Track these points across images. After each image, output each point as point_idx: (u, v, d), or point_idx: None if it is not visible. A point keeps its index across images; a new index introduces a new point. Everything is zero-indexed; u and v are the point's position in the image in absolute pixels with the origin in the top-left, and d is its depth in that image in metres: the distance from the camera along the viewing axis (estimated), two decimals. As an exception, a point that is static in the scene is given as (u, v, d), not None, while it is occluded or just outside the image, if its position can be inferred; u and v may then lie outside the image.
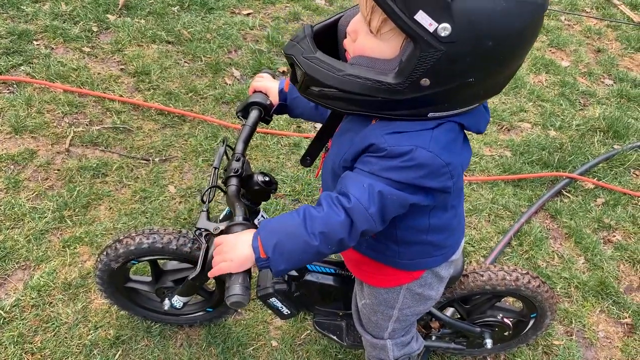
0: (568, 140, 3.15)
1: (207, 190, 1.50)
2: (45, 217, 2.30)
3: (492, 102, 3.32)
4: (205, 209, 1.48)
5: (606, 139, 3.20)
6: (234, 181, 1.41)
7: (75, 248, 2.24)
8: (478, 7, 0.97)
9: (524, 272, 1.79)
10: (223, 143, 1.57)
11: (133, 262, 1.75)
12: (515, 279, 1.76)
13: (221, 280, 1.74)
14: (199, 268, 1.38)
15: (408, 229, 1.32)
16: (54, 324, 2.01)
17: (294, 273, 1.71)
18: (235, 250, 1.18)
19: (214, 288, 1.96)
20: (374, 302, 1.56)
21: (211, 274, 1.22)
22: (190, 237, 1.70)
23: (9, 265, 2.15)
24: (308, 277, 1.75)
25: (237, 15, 3.62)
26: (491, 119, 3.18)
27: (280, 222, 1.18)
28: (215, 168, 1.50)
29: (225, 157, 1.54)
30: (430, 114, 1.12)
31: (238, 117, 1.59)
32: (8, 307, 2.02)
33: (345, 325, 1.86)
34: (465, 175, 2.86)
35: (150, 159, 2.64)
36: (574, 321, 2.32)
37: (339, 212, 1.14)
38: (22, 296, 2.06)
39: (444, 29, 0.97)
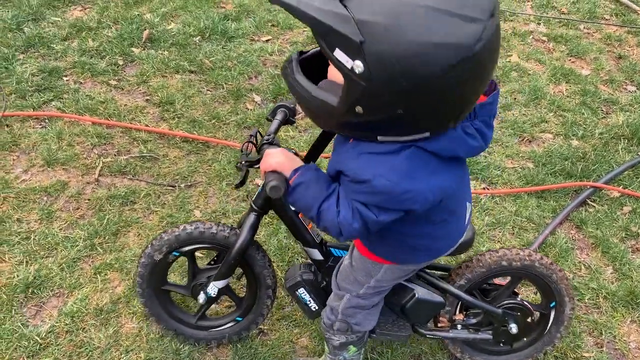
0: (591, 149, 3.12)
1: (246, 143, 1.74)
2: (77, 246, 2.40)
3: (512, 113, 3.32)
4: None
5: (631, 146, 3.16)
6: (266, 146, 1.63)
7: (106, 274, 2.32)
8: (388, 50, 1.04)
9: (535, 251, 1.90)
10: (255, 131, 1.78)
11: (175, 253, 1.92)
12: (529, 255, 1.89)
13: (251, 284, 1.99)
14: (240, 179, 1.68)
15: (392, 233, 1.45)
16: (87, 348, 2.08)
17: (319, 257, 1.85)
18: (283, 161, 1.43)
19: (243, 295, 2.07)
20: (358, 266, 1.69)
21: (262, 165, 1.47)
22: (227, 226, 1.90)
23: (44, 293, 2.24)
24: (331, 262, 1.87)
25: (257, 42, 3.72)
26: (512, 131, 3.18)
27: (314, 179, 1.39)
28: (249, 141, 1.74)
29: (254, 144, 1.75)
30: (380, 137, 1.22)
31: (268, 119, 1.76)
32: (44, 334, 2.10)
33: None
34: (488, 189, 2.86)
35: (176, 185, 2.72)
36: (604, 332, 2.28)
37: (334, 216, 1.34)
38: (57, 322, 2.14)
39: (358, 67, 1.07)
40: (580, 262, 2.56)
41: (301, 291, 1.88)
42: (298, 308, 2.12)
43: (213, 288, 1.92)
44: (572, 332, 2.26)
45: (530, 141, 3.18)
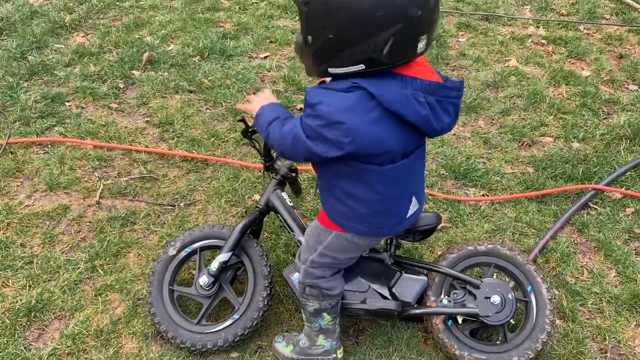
0: (592, 150, 3.09)
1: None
2: (79, 268, 2.44)
3: (511, 118, 3.30)
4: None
5: (633, 146, 3.12)
6: None
7: (106, 296, 2.35)
8: None
9: None
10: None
11: (187, 249, 2.25)
12: (490, 241, 2.26)
13: (249, 277, 2.22)
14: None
15: (338, 188, 1.70)
16: (88, 370, 2.11)
17: None
18: (255, 103, 1.85)
19: (242, 298, 2.18)
20: (312, 232, 1.94)
21: (240, 106, 2.01)
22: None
23: (46, 316, 2.27)
24: None
25: (255, 59, 3.77)
26: (511, 136, 3.16)
27: (273, 109, 1.77)
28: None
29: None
30: (330, 69, 1.51)
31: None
32: (46, 357, 2.13)
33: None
34: (487, 195, 2.84)
35: (176, 204, 2.75)
36: (607, 337, 2.25)
37: (286, 126, 1.64)
38: (59, 345, 2.17)
39: None
40: (582, 266, 2.52)
41: (295, 276, 2.11)
42: (301, 313, 2.14)
43: (215, 263, 2.14)
44: (574, 339, 2.23)
45: (530, 145, 3.16)
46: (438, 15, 1.48)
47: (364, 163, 1.59)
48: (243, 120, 2.22)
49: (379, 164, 1.61)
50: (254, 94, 2.04)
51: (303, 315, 2.09)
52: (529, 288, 2.15)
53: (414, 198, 1.79)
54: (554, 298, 2.31)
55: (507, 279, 2.24)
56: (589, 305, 2.36)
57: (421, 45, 1.45)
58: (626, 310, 2.34)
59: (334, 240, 1.87)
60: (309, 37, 1.49)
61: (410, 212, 1.81)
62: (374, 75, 1.48)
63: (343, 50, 1.44)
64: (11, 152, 2.98)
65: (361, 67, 1.45)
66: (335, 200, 1.76)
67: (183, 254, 2.28)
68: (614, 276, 2.48)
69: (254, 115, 1.82)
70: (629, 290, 2.39)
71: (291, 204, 2.32)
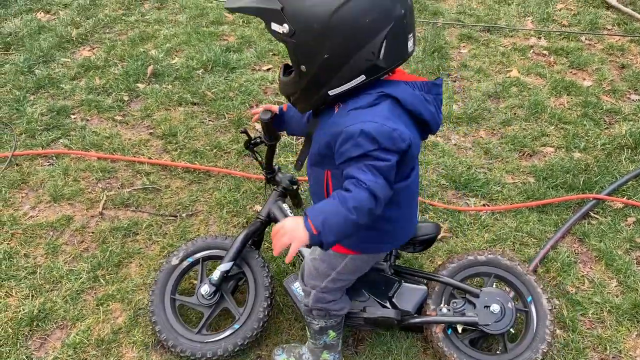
0: (594, 160, 3.09)
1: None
2: (81, 278, 2.46)
3: (512, 129, 3.31)
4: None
5: (634, 155, 3.12)
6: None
7: (108, 305, 2.37)
8: (298, 6, 1.39)
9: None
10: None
11: (189, 259, 2.28)
12: (490, 251, 2.26)
13: (250, 286, 2.23)
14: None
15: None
16: (88, 379, 2.12)
17: None
18: (294, 233, 1.46)
19: (242, 308, 2.19)
20: (322, 259, 1.88)
21: (285, 257, 1.51)
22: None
23: (48, 325, 2.30)
24: None
25: (258, 72, 3.81)
26: (512, 146, 3.17)
27: (323, 205, 1.50)
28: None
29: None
30: (331, 92, 1.49)
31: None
32: (47, 366, 2.16)
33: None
34: (488, 205, 2.85)
35: (178, 215, 2.78)
36: (608, 347, 2.23)
37: (362, 190, 1.45)
38: (60, 354, 2.19)
39: (285, 29, 1.41)
40: (583, 275, 2.52)
41: (296, 285, 2.15)
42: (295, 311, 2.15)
43: (217, 272, 2.17)
44: (575, 349, 2.22)
45: (531, 155, 3.17)
46: (414, 15, 1.54)
47: (396, 182, 1.55)
48: (245, 132, 2.25)
49: (406, 177, 1.64)
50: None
51: (307, 332, 2.09)
52: (529, 298, 2.15)
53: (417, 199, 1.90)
54: (555, 308, 2.30)
55: (507, 289, 2.24)
56: (590, 315, 2.35)
57: (410, 44, 1.49)
58: (627, 320, 2.33)
59: (348, 263, 1.86)
60: (303, 67, 1.47)
61: (417, 214, 1.92)
62: (383, 83, 1.51)
63: (343, 66, 1.44)
64: (17, 164, 3.02)
65: (362, 77, 1.46)
66: (365, 231, 1.60)
67: (185, 263, 2.30)
68: (615, 286, 2.47)
69: (308, 242, 1.46)
70: (630, 300, 2.38)
71: (291, 215, 2.34)
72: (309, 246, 1.50)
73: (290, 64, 1.54)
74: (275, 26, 1.43)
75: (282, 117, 2.01)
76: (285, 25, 1.41)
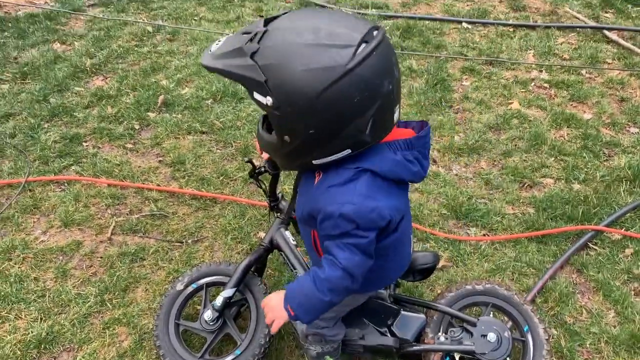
0: (593, 192, 3.14)
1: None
2: (89, 302, 2.53)
3: (513, 160, 3.38)
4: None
5: (633, 187, 3.17)
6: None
7: (114, 329, 2.43)
8: (283, 81, 1.34)
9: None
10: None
11: (193, 285, 2.34)
12: (488, 281, 2.30)
13: (251, 312, 2.28)
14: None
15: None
16: (93, 401, 2.17)
17: None
18: (275, 312, 1.69)
19: (244, 334, 2.24)
20: None
21: (273, 330, 1.75)
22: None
23: (56, 348, 2.35)
24: None
25: (265, 102, 3.91)
26: (512, 177, 3.23)
27: (300, 286, 1.62)
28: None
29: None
30: (315, 161, 1.48)
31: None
32: (53, 388, 2.21)
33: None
34: (487, 235, 2.90)
35: (184, 241, 2.85)
36: (605, 378, 2.26)
37: (336, 269, 1.52)
38: (66, 377, 2.25)
39: (269, 101, 1.37)
40: (581, 306, 2.55)
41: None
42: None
43: (219, 299, 2.21)
44: (572, 378, 2.24)
45: (530, 186, 3.22)
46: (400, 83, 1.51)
47: (385, 239, 1.60)
48: (250, 162, 2.33)
49: (394, 231, 1.62)
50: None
51: (306, 359, 2.14)
52: (525, 328, 2.18)
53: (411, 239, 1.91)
54: (551, 338, 2.33)
55: (504, 318, 2.28)
56: (588, 346, 2.38)
57: (396, 116, 1.48)
58: (624, 350, 2.35)
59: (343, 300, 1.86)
60: (286, 137, 1.43)
61: (411, 249, 1.93)
62: (364, 153, 1.48)
63: (328, 141, 1.42)
64: (30, 190, 3.12)
65: (347, 151, 1.45)
66: None
67: (190, 289, 2.36)
68: (613, 316, 2.50)
69: (290, 320, 1.68)
70: (628, 331, 2.41)
71: (294, 242, 2.40)
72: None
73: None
74: (258, 96, 1.39)
75: None
76: (269, 97, 1.36)
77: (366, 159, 1.48)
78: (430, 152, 3.41)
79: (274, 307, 1.69)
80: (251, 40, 1.38)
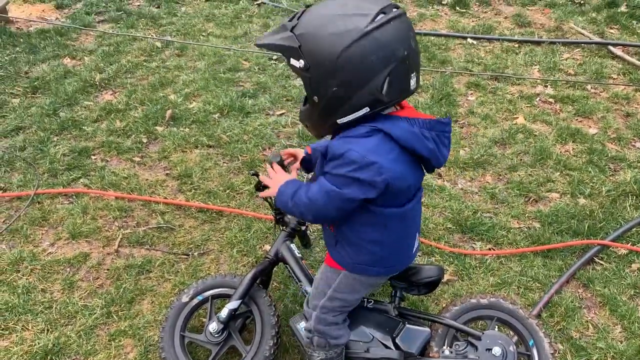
0: (598, 207, 3.14)
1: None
2: (95, 314, 2.54)
3: (518, 174, 3.39)
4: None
5: (639, 202, 3.17)
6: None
7: (120, 341, 2.44)
8: (313, 46, 1.58)
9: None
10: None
11: (199, 297, 2.35)
12: (493, 295, 2.31)
13: (256, 325, 2.29)
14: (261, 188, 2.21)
15: (360, 237, 1.83)
16: (98, 413, 2.18)
17: None
18: (273, 185, 1.91)
19: (249, 346, 2.25)
20: (320, 277, 2.04)
21: (262, 193, 2.02)
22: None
23: (62, 359, 2.37)
24: None
25: (271, 116, 3.96)
26: (518, 191, 3.24)
27: (294, 185, 1.85)
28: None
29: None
30: (339, 120, 1.66)
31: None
32: (59, 399, 2.21)
33: None
34: (493, 249, 2.90)
35: (190, 253, 2.87)
36: (612, 394, 2.24)
37: (305, 198, 1.75)
38: (72, 388, 2.25)
39: (301, 64, 1.60)
40: (587, 321, 2.54)
41: (301, 325, 2.19)
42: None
43: (225, 310, 2.23)
44: (579, 394, 2.23)
45: (536, 201, 3.23)
46: (420, 57, 1.71)
47: (387, 207, 1.75)
48: (256, 174, 2.35)
49: (399, 205, 1.77)
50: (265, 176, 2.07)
51: None
52: (531, 342, 2.18)
53: (417, 234, 1.99)
54: (557, 353, 2.32)
55: (510, 332, 2.27)
56: (594, 361, 2.37)
57: (413, 82, 1.64)
58: (631, 366, 2.34)
59: (342, 280, 1.98)
60: (315, 97, 1.65)
61: (414, 248, 2.00)
62: (383, 118, 1.67)
63: (349, 99, 1.60)
64: (38, 202, 3.15)
65: (366, 109, 1.62)
66: (355, 250, 1.87)
67: (195, 301, 2.37)
68: (620, 332, 2.49)
69: (273, 198, 1.95)
70: (634, 346, 2.39)
71: (299, 255, 2.42)
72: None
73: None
74: (293, 61, 1.62)
75: (310, 160, 2.17)
76: (302, 60, 1.60)
77: (383, 123, 1.65)
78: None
79: (275, 182, 1.91)
80: (291, 19, 1.65)
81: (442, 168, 3.44)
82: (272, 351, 2.22)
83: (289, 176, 1.94)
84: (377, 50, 1.54)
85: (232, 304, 2.25)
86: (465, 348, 2.14)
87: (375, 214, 1.76)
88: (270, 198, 2.42)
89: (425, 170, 1.84)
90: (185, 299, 2.37)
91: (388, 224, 1.79)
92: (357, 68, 1.56)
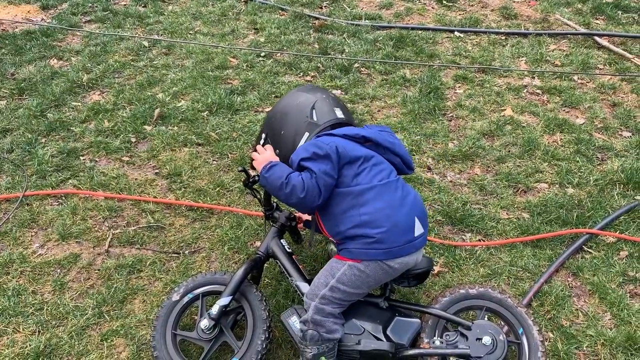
0: (587, 196, 3.16)
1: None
2: (86, 314, 2.53)
3: (507, 165, 3.41)
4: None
5: (626, 191, 3.19)
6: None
7: (112, 341, 2.43)
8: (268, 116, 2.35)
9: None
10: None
11: (189, 295, 2.36)
12: (481, 285, 2.36)
13: (248, 320, 2.30)
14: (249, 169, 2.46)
15: (348, 222, 2.04)
16: (91, 413, 2.17)
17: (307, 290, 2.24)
18: (260, 160, 2.22)
19: (241, 341, 2.25)
20: (325, 268, 2.13)
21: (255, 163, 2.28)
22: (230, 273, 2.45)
23: (54, 360, 2.36)
24: None
25: (261, 113, 3.95)
26: (506, 182, 3.26)
27: (281, 168, 2.12)
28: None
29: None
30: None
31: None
32: (51, 400, 2.21)
33: None
34: (483, 240, 2.92)
35: (181, 252, 2.86)
36: (602, 380, 2.26)
37: (299, 176, 2.06)
38: (64, 389, 2.25)
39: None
40: (577, 309, 2.56)
41: (293, 320, 2.23)
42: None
43: (216, 307, 2.24)
44: (569, 381, 2.25)
45: (525, 191, 3.25)
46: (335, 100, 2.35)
47: (356, 186, 2.05)
48: (244, 170, 2.36)
49: (366, 183, 2.06)
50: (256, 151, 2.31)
51: None
52: (520, 330, 2.20)
53: (417, 220, 2.10)
54: (548, 341, 2.34)
55: (500, 322, 2.29)
56: (584, 349, 2.39)
57: (339, 113, 2.29)
58: (621, 352, 2.36)
59: (347, 271, 2.06)
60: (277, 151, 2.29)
61: (417, 232, 2.09)
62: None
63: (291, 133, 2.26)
64: (27, 204, 3.14)
65: (307, 134, 2.22)
66: (351, 239, 2.05)
67: (186, 299, 2.37)
68: (609, 319, 2.51)
69: (258, 171, 2.19)
70: (624, 333, 2.42)
71: (290, 250, 2.42)
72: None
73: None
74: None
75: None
76: (262, 134, 2.36)
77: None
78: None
79: (264, 159, 2.19)
80: None
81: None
82: (265, 345, 2.22)
83: (276, 158, 2.21)
84: (293, 108, 2.32)
85: (223, 300, 2.26)
86: (455, 338, 2.16)
87: (351, 194, 2.05)
88: (260, 194, 2.43)
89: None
90: (175, 297, 2.37)
91: (365, 201, 2.04)
92: (291, 116, 2.31)
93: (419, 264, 2.18)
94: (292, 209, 2.65)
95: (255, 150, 2.31)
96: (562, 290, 2.62)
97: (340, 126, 2.27)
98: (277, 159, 2.23)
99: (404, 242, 2.05)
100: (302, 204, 2.06)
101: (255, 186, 2.45)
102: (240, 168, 2.36)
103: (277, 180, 2.07)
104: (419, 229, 2.10)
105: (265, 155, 2.24)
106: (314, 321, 2.07)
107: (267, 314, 2.29)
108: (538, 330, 2.18)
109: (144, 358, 2.36)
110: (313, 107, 2.25)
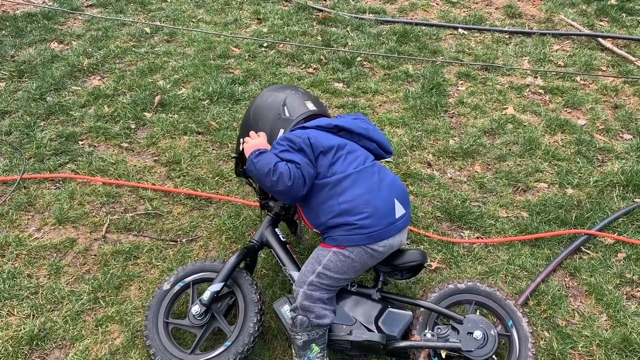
0: (586, 197, 3.16)
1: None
2: (82, 299, 2.52)
3: (507, 164, 3.40)
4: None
5: (626, 193, 3.19)
6: None
7: (107, 327, 2.42)
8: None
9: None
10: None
11: (180, 283, 2.36)
12: (470, 280, 2.36)
13: (240, 306, 2.30)
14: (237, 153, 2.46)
15: (328, 212, 2.09)
16: (84, 398, 2.16)
17: None
18: (250, 145, 2.24)
19: (233, 326, 2.26)
20: (312, 256, 2.17)
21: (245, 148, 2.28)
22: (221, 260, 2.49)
23: (47, 345, 2.35)
24: None
25: (261, 103, 3.92)
26: (506, 181, 3.25)
27: (268, 157, 2.12)
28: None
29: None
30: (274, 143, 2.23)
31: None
32: (44, 384, 2.20)
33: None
34: (481, 238, 2.91)
35: (178, 240, 2.85)
36: (596, 380, 2.27)
37: (285, 165, 2.11)
38: (58, 373, 2.24)
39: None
40: (574, 309, 2.56)
41: (285, 308, 2.22)
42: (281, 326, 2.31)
43: (207, 293, 2.25)
44: (564, 381, 2.25)
45: (524, 191, 3.24)
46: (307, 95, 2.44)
47: (332, 176, 2.10)
48: (238, 158, 2.36)
49: (342, 172, 2.11)
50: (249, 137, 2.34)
51: (293, 350, 2.15)
52: (509, 323, 2.21)
53: (396, 202, 2.15)
54: (543, 340, 2.34)
55: (491, 316, 2.29)
56: (580, 349, 2.39)
57: (311, 106, 2.38)
58: (616, 354, 2.36)
59: (332, 257, 2.10)
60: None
61: (398, 214, 2.13)
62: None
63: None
64: (25, 187, 3.12)
65: (282, 130, 2.31)
66: (333, 228, 2.10)
67: (177, 287, 2.37)
68: (605, 320, 2.51)
69: (247, 155, 2.20)
70: (620, 334, 2.42)
71: (284, 239, 2.42)
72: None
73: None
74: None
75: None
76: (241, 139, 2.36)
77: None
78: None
79: (252, 145, 2.22)
80: None
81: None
82: (257, 327, 2.22)
83: (268, 146, 2.24)
84: (267, 105, 2.45)
85: (215, 287, 2.26)
86: (447, 331, 2.17)
87: (329, 184, 2.09)
88: (255, 183, 2.43)
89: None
90: (166, 286, 2.37)
91: (342, 190, 2.08)
92: (264, 113, 2.44)
93: (412, 257, 2.19)
94: None
95: (244, 142, 2.35)
96: (559, 290, 2.62)
97: (314, 118, 2.33)
98: (268, 146, 2.25)
99: (385, 224, 2.09)
100: (288, 193, 2.08)
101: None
102: (233, 155, 2.37)
103: (265, 167, 2.09)
104: (399, 210, 2.14)
105: (256, 141, 2.26)
106: (303, 307, 2.09)
107: (259, 295, 2.31)
108: (527, 322, 2.19)
109: (138, 345, 2.35)
110: (284, 103, 2.33)
